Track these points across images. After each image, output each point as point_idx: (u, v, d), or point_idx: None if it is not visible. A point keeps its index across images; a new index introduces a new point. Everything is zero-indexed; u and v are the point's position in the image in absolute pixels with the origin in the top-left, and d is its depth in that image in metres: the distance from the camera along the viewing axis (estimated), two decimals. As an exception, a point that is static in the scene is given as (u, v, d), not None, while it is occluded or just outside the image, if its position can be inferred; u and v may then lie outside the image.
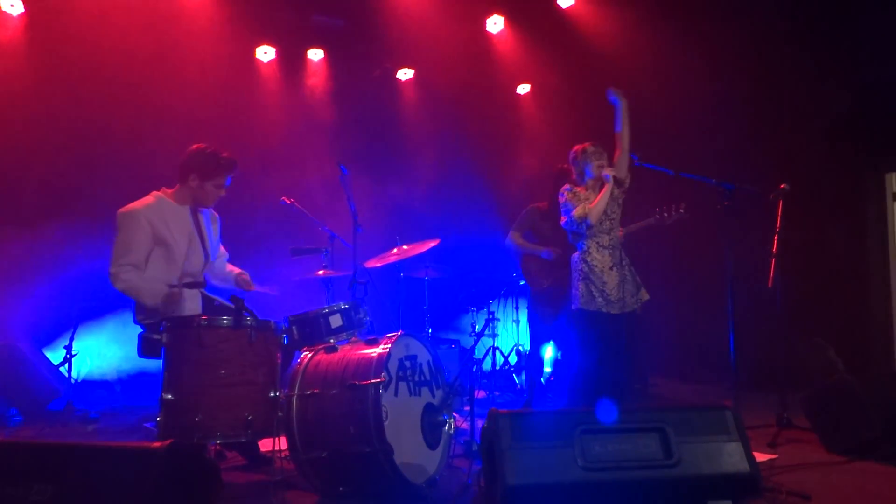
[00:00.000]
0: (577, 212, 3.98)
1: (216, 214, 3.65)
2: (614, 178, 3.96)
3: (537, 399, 5.07)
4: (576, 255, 4.11)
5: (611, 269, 3.99)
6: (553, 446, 2.38)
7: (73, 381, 5.23)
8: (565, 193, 4.09)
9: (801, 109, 5.91)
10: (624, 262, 4.05)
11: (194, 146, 3.42)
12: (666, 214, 4.83)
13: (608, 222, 4.04)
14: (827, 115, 5.92)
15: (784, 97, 5.94)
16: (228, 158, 3.42)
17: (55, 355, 5.34)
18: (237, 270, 3.65)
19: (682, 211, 4.79)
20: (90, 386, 5.71)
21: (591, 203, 3.97)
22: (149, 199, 3.36)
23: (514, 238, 5.06)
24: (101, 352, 5.85)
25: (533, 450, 2.37)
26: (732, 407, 2.60)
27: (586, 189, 4.10)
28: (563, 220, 4.09)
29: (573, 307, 4.06)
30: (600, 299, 3.94)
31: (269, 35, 6.73)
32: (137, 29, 5.84)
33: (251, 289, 3.59)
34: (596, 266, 3.98)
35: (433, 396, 3.11)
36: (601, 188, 4.00)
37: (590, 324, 3.98)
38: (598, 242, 4.02)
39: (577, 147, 4.13)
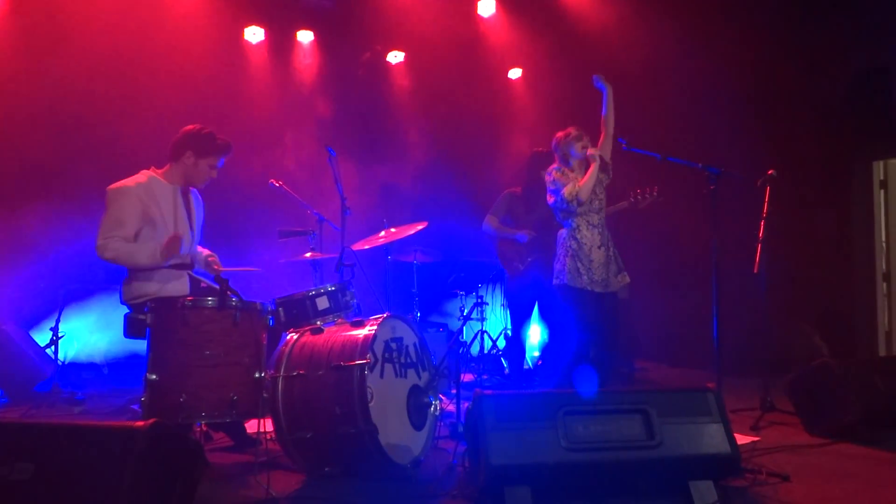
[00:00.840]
0: (567, 189, 4.01)
1: (201, 200, 3.62)
2: (600, 157, 4.01)
3: (522, 381, 5.10)
4: (563, 231, 4.13)
5: (599, 247, 4.05)
6: (536, 427, 2.41)
7: (59, 363, 5.21)
8: (553, 172, 4.12)
9: (790, 96, 5.92)
10: (609, 244, 4.12)
11: (190, 126, 3.43)
12: (640, 198, 4.84)
13: (597, 202, 4.10)
14: (816, 102, 5.93)
15: (774, 83, 5.95)
16: (225, 140, 3.45)
17: (41, 337, 5.31)
18: (206, 252, 3.62)
19: (655, 194, 4.79)
20: (77, 368, 5.69)
21: (581, 181, 4.01)
22: (140, 178, 3.34)
23: (490, 222, 5.08)
24: (87, 334, 5.82)
25: (516, 431, 2.39)
26: (715, 389, 2.63)
27: (573, 171, 4.14)
28: (552, 199, 4.10)
29: (558, 282, 4.09)
30: (586, 277, 4.00)
31: (257, 16, 6.65)
32: (124, 8, 5.76)
33: (219, 271, 3.53)
34: (585, 243, 4.03)
35: (419, 378, 3.12)
36: (587, 168, 4.03)
37: (575, 300, 4.03)
38: (587, 221, 4.07)
39: (559, 133, 4.19)
